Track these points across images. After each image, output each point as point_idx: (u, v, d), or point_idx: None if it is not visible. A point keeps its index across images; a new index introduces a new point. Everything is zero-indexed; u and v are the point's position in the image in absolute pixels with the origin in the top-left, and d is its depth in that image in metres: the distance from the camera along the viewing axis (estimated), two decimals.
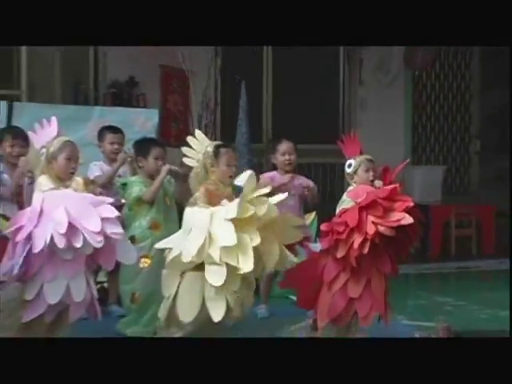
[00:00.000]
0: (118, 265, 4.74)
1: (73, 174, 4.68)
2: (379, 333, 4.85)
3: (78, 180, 4.59)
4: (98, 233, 4.26)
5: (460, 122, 10.91)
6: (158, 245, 4.87)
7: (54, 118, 4.69)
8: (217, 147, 5.01)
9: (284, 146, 6.25)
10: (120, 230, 4.37)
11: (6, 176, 5.47)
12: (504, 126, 10.95)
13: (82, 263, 4.40)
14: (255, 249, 4.50)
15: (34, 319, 4.42)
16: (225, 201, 4.75)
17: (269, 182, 5.78)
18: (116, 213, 4.37)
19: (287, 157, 6.21)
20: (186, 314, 4.62)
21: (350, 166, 5.20)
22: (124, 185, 5.62)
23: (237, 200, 4.54)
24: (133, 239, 5.34)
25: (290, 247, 4.98)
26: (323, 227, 4.98)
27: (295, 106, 9.69)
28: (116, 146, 6.23)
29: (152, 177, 5.54)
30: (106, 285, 6.34)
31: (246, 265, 4.44)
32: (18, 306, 4.45)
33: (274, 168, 6.36)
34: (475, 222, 9.77)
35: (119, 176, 6.08)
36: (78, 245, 4.25)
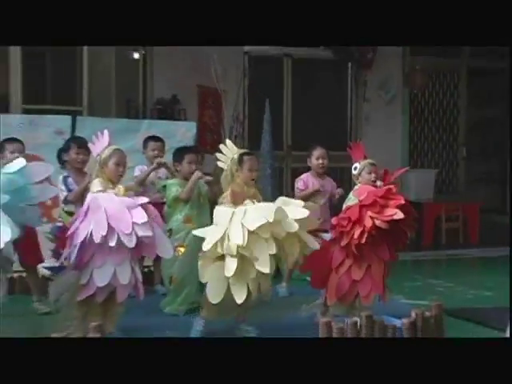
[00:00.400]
0: None
1: (121, 176, 4.65)
2: (381, 310, 4.80)
3: (120, 188, 4.55)
4: (129, 234, 4.25)
5: (449, 132, 10.82)
6: (195, 232, 4.80)
7: (105, 131, 4.67)
8: (241, 155, 4.94)
9: (318, 151, 6.15)
10: (149, 232, 4.34)
11: (71, 180, 5.44)
12: (486, 136, 10.92)
13: (126, 252, 4.38)
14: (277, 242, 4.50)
15: (88, 299, 4.45)
16: (247, 201, 4.73)
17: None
18: (145, 217, 4.32)
19: (321, 161, 6.11)
20: (214, 296, 4.63)
21: (355, 168, 5.17)
22: (164, 186, 5.64)
23: (260, 216, 4.47)
24: (170, 231, 5.36)
25: (314, 234, 4.95)
26: (333, 221, 4.99)
27: (310, 119, 9.64)
28: (156, 152, 6.19)
29: (187, 178, 5.53)
30: (152, 268, 6.34)
31: (264, 267, 4.41)
32: (77, 288, 4.48)
33: (304, 171, 6.32)
34: (462, 217, 9.66)
35: (159, 178, 6.09)
36: (112, 243, 4.26)
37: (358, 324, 4.36)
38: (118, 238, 4.25)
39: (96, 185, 4.54)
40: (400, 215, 4.62)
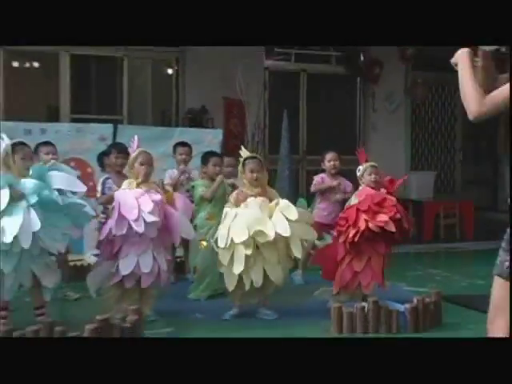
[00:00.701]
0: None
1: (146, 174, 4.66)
2: (386, 296, 4.78)
3: (132, 182, 4.57)
4: (137, 220, 4.29)
5: (447, 138, 10.73)
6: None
7: (135, 136, 4.71)
8: (245, 159, 4.92)
9: (330, 154, 6.12)
10: (156, 218, 4.36)
11: (110, 181, 5.41)
12: (479, 142, 10.83)
13: (148, 244, 4.44)
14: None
15: (117, 284, 4.51)
16: (251, 198, 4.74)
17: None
18: (151, 205, 4.37)
19: (332, 163, 6.08)
20: (228, 285, 4.69)
21: (359, 170, 5.15)
22: (193, 187, 5.68)
23: (246, 228, 4.53)
24: (195, 227, 5.37)
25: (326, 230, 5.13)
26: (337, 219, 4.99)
27: (323, 127, 9.62)
28: (184, 156, 6.16)
29: (212, 179, 5.55)
30: (184, 259, 6.36)
31: (237, 268, 4.54)
32: (112, 275, 4.53)
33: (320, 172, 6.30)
34: (458, 214, 9.58)
35: (188, 179, 6.10)
36: (123, 231, 4.31)
37: (366, 309, 4.36)
38: (129, 226, 4.29)
39: (124, 184, 4.58)
40: (392, 228, 4.63)
